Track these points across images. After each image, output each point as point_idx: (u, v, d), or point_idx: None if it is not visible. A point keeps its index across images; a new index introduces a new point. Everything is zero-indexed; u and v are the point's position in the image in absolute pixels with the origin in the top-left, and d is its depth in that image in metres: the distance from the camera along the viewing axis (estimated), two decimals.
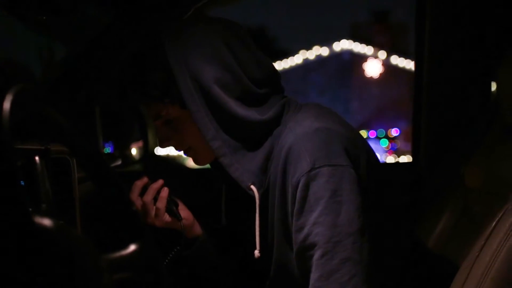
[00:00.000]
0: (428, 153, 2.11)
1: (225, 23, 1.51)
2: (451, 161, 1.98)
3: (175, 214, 1.68)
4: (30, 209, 0.76)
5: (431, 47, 2.05)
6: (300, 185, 1.36)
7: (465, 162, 1.88)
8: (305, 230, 1.36)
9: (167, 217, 1.66)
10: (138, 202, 1.59)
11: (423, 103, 2.10)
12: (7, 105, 0.81)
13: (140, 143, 2.55)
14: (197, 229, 1.74)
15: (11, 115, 0.80)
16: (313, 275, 1.35)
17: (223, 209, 1.74)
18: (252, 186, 1.47)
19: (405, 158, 14.04)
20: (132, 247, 1.01)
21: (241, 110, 1.46)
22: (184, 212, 1.71)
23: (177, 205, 1.70)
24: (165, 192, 1.65)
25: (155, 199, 1.64)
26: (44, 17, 1.49)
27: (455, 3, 2.02)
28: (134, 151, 2.58)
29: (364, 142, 1.53)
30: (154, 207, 1.63)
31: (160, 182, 1.65)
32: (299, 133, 1.42)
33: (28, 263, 0.75)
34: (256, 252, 1.50)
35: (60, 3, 1.59)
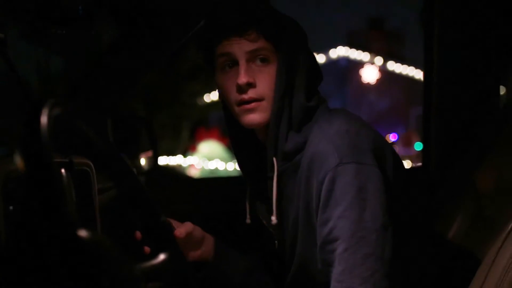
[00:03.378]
0: (438, 158, 2.13)
1: None
2: (462, 166, 1.99)
3: None
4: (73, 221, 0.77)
5: (439, 51, 2.07)
6: (327, 179, 1.39)
7: (476, 166, 1.90)
8: (330, 224, 1.38)
9: None
10: None
11: (432, 108, 2.11)
12: (44, 119, 0.82)
13: (149, 153, 2.55)
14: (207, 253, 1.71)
15: (49, 129, 0.81)
16: (336, 269, 1.37)
17: (248, 207, 1.74)
18: (274, 159, 1.54)
19: (405, 163, 14.06)
20: (162, 257, 1.02)
21: (306, 90, 1.54)
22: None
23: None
24: None
25: None
26: (54, 29, 1.50)
27: (463, 7, 2.04)
28: (143, 161, 2.58)
29: (390, 147, 1.57)
30: None
31: None
32: (329, 133, 1.46)
33: (70, 272, 0.76)
34: (273, 218, 1.57)
35: (69, 15, 1.60)
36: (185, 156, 13.89)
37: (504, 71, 1.99)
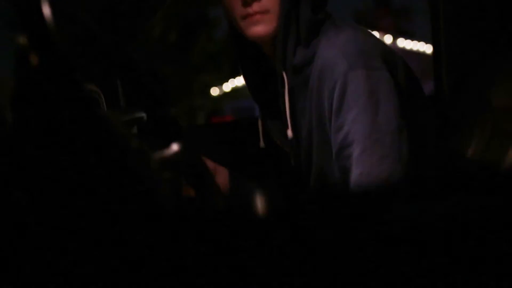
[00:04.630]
0: (451, 79, 2.10)
1: None
2: (475, 84, 1.97)
3: None
4: None
5: None
6: (338, 86, 1.39)
7: (491, 82, 1.87)
8: (345, 129, 1.38)
9: None
10: None
11: (441, 28, 2.09)
12: (46, 10, 0.77)
13: None
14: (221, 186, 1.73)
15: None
16: (354, 173, 1.37)
17: (261, 130, 1.74)
18: (284, 73, 1.52)
19: None
20: (175, 147, 1.01)
21: (312, 3, 1.51)
22: None
23: None
24: None
25: None
26: None
27: None
28: None
29: (402, 58, 1.57)
30: None
31: None
32: (337, 42, 1.46)
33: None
34: (289, 132, 1.55)
35: None
36: None
37: None
